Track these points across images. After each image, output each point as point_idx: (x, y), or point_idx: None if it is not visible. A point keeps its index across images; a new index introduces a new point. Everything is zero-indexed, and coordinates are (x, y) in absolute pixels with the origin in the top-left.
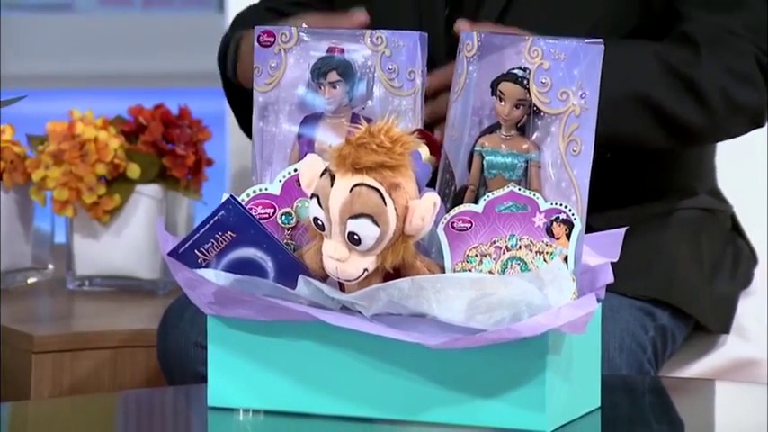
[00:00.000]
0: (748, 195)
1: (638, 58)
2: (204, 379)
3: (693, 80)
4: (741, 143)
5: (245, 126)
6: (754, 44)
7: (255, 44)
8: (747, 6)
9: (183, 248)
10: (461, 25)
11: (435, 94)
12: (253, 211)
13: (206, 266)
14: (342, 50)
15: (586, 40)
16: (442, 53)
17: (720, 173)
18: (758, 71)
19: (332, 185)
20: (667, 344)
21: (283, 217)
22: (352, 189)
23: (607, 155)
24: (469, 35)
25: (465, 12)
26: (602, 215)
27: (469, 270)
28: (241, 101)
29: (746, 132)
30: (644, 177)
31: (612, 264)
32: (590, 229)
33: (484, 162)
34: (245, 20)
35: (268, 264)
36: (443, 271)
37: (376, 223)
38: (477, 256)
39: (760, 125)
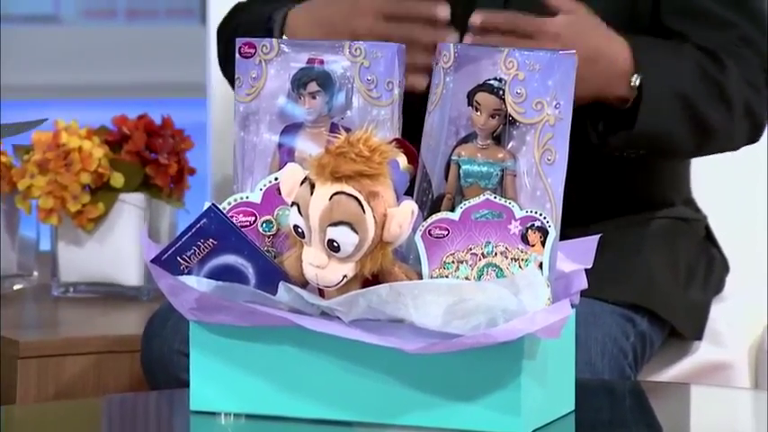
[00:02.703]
0: (721, 205)
1: (679, 61)
2: (187, 386)
3: (725, 88)
4: (713, 156)
5: None
6: (758, 56)
7: (237, 55)
8: (737, 24)
9: (166, 256)
10: (474, 18)
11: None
12: (234, 218)
13: (188, 273)
14: (321, 61)
15: (560, 51)
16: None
17: (694, 184)
18: (765, 82)
19: (312, 194)
20: (646, 349)
21: (264, 224)
22: (331, 197)
23: (641, 152)
24: (446, 46)
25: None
26: (583, 224)
27: (446, 276)
28: None
29: (744, 145)
30: (624, 188)
31: (593, 270)
32: (570, 237)
33: (460, 171)
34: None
35: (249, 270)
36: (421, 277)
37: (355, 231)
38: (453, 262)
39: (756, 139)
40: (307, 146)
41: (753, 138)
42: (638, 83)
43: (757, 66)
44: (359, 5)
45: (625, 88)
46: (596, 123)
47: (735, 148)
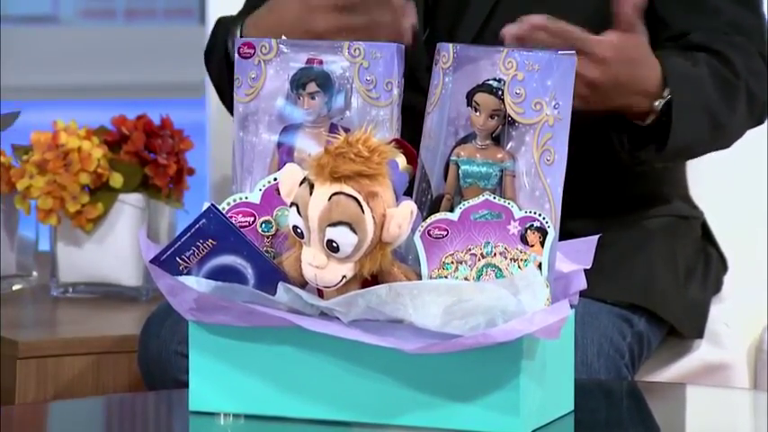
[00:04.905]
0: (719, 202)
1: (699, 71)
2: (185, 387)
3: (736, 88)
4: (712, 155)
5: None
6: (750, 39)
7: (236, 56)
8: (723, 9)
9: (165, 256)
10: (507, 30)
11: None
12: (233, 219)
13: (187, 273)
14: (320, 62)
15: (559, 52)
16: (422, 71)
17: (693, 183)
18: (765, 67)
19: (311, 194)
20: (643, 349)
21: (263, 225)
22: (330, 197)
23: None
24: (445, 46)
25: (441, 30)
26: (582, 222)
27: (445, 277)
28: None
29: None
30: (621, 184)
31: (592, 269)
32: (571, 235)
33: (459, 171)
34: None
35: (248, 271)
36: (420, 278)
37: (354, 231)
38: (452, 263)
39: (761, 122)
40: (306, 146)
41: (758, 122)
42: (660, 104)
43: (755, 52)
44: (309, 2)
45: (648, 105)
46: (620, 138)
47: (740, 137)
